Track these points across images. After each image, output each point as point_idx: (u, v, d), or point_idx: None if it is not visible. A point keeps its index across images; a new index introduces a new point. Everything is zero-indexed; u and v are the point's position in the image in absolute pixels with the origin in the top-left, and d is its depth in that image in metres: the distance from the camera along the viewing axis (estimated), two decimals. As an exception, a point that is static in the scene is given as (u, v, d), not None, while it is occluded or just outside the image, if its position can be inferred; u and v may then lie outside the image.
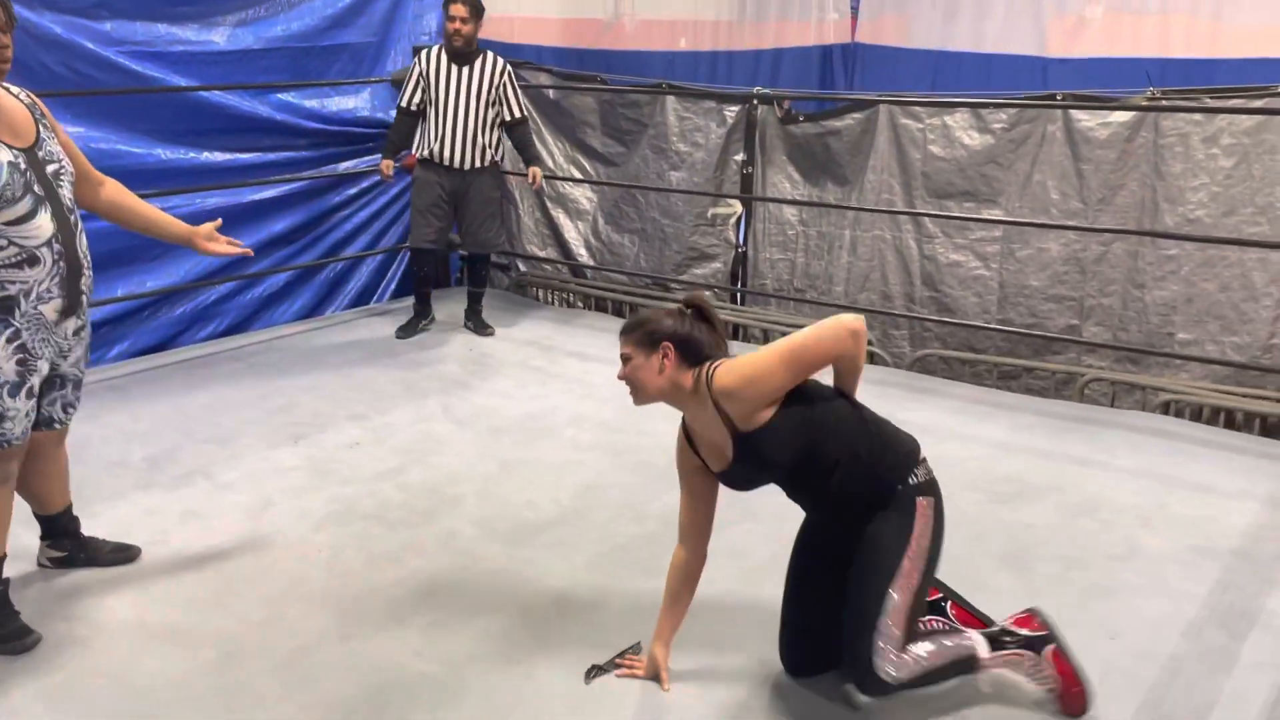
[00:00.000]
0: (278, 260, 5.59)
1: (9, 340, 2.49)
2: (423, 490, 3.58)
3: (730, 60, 5.86)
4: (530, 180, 5.22)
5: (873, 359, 5.01)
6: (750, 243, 5.63)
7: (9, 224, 2.44)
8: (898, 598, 2.26)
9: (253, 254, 3.24)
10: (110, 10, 4.74)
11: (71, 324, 2.65)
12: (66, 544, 2.99)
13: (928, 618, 2.66)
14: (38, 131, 2.55)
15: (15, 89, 2.59)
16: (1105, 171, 4.60)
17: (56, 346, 2.63)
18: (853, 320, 2.27)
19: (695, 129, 5.64)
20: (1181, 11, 4.54)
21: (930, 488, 2.35)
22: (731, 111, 5.50)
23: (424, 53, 5.14)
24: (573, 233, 6.19)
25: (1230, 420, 4.32)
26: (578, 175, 6.08)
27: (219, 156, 5.26)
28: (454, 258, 6.33)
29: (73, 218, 2.60)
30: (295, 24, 5.46)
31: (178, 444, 3.90)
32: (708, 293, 2.72)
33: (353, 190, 5.89)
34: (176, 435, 3.98)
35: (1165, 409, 4.43)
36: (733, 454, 2.32)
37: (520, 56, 6.00)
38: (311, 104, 5.63)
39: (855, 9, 5.46)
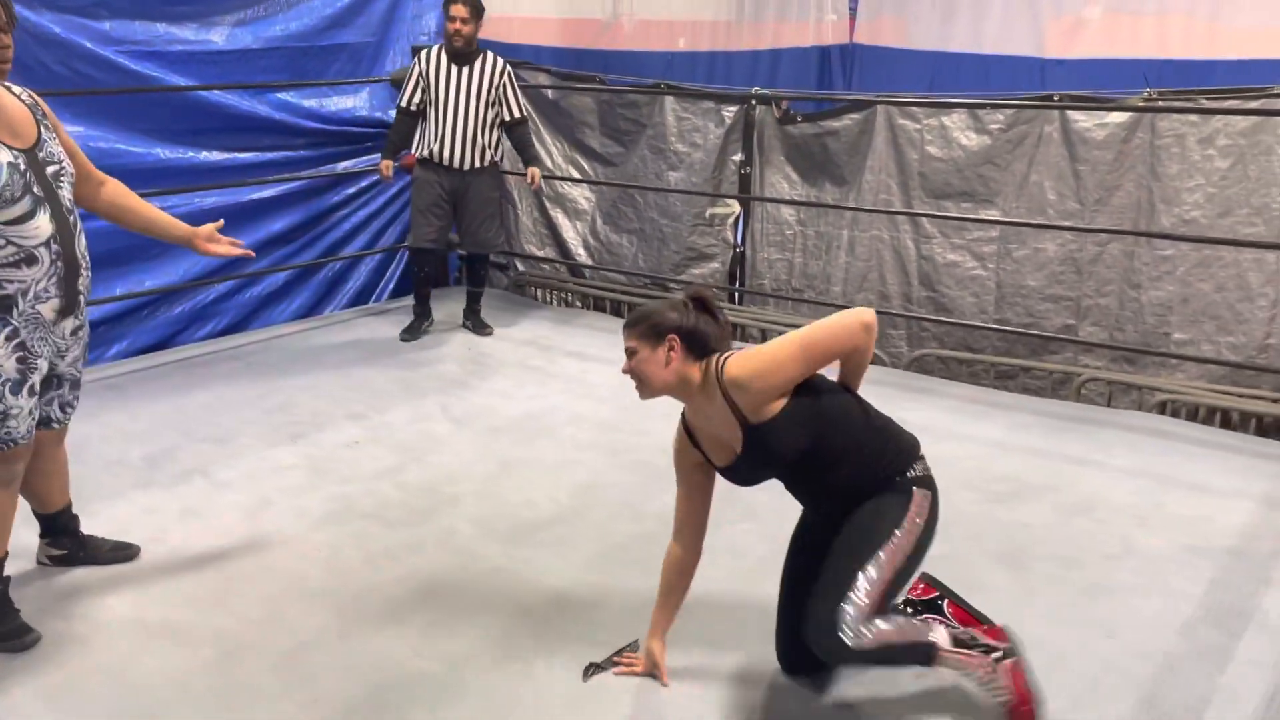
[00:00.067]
0: (276, 259, 5.60)
1: (8, 338, 2.50)
2: (421, 489, 3.59)
3: (728, 60, 5.87)
4: (529, 181, 5.23)
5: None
6: (748, 243, 5.64)
7: (8, 224, 2.44)
8: (875, 574, 2.23)
9: (254, 255, 3.24)
10: (109, 10, 4.75)
11: (69, 324, 2.66)
12: (66, 542, 2.99)
13: (923, 616, 2.67)
14: (39, 132, 2.56)
15: (17, 89, 2.59)
16: (1102, 172, 4.62)
17: (54, 346, 2.63)
18: (866, 313, 2.28)
19: (693, 129, 5.65)
20: (1179, 12, 4.56)
21: (928, 482, 2.37)
22: (729, 112, 5.51)
23: (423, 53, 5.15)
24: (571, 232, 6.20)
25: (1226, 420, 4.34)
26: (576, 175, 6.09)
27: (218, 156, 5.27)
28: (452, 257, 6.34)
29: (72, 218, 2.61)
30: (294, 24, 5.47)
31: (176, 443, 3.91)
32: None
33: (351, 190, 5.90)
34: (175, 434, 3.99)
35: (1161, 409, 4.44)
36: (741, 446, 2.32)
37: (519, 56, 6.00)
38: (310, 104, 5.64)
39: (853, 10, 5.47)
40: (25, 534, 2.99)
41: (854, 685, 2.51)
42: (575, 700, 2.46)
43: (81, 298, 2.67)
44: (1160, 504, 3.51)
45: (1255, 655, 2.63)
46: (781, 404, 2.27)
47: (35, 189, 2.49)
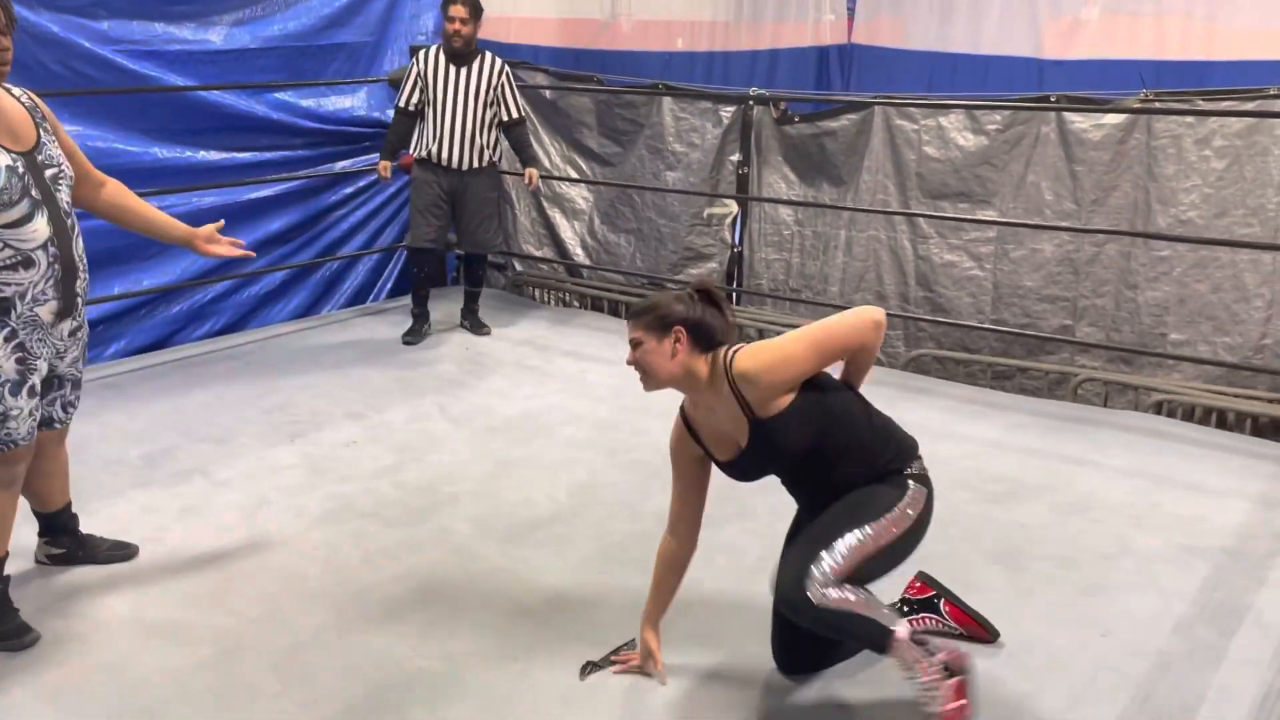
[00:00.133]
0: (274, 259, 5.60)
1: (7, 340, 2.50)
2: (419, 488, 3.60)
3: (726, 61, 5.88)
4: (527, 181, 5.23)
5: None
6: (746, 243, 5.65)
7: (6, 227, 2.45)
8: (855, 543, 2.22)
9: (255, 255, 3.23)
10: (107, 9, 4.76)
11: (67, 325, 2.66)
12: (65, 541, 3.00)
13: (920, 615, 2.69)
14: (38, 135, 2.56)
15: (16, 90, 2.59)
16: (1098, 173, 4.63)
17: (53, 348, 2.64)
18: (876, 312, 2.30)
19: (691, 129, 5.66)
20: (1176, 13, 4.57)
21: (924, 480, 2.38)
22: (727, 112, 5.52)
23: (422, 53, 5.15)
24: (569, 232, 6.21)
25: (1222, 420, 4.35)
26: (574, 175, 6.10)
27: (215, 155, 5.27)
28: (450, 257, 6.35)
29: (69, 221, 2.61)
30: (292, 23, 5.47)
31: (175, 442, 3.92)
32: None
33: (349, 189, 5.90)
34: (173, 433, 3.99)
35: (1158, 409, 4.45)
36: (747, 441, 2.32)
37: (517, 56, 6.01)
38: (308, 103, 5.64)
39: (851, 10, 5.48)
40: (25, 533, 2.99)
41: (851, 685, 2.52)
42: (573, 699, 2.47)
43: (79, 300, 2.67)
44: (1156, 504, 3.52)
45: (1250, 654, 2.64)
46: (789, 400, 2.27)
47: (33, 192, 2.50)
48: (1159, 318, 4.60)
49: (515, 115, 5.22)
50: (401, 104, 5.14)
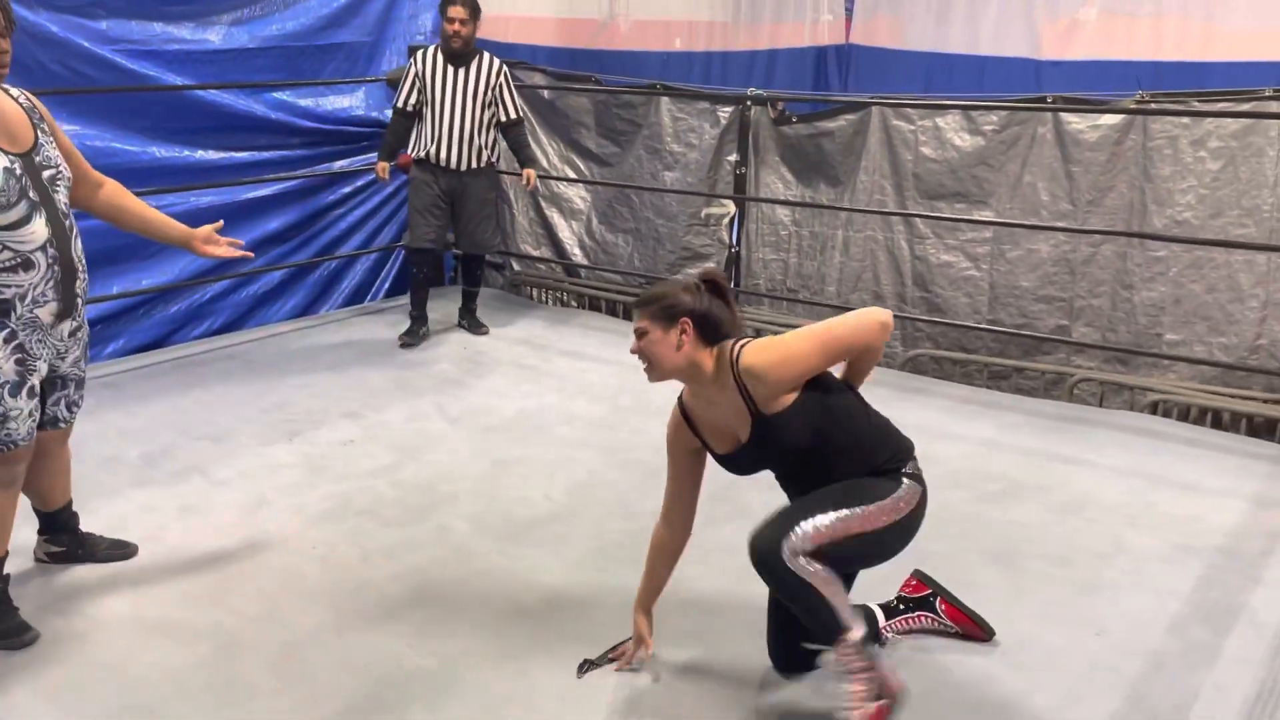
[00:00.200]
0: (272, 259, 5.61)
1: (6, 341, 2.51)
2: (417, 487, 3.61)
3: (725, 61, 5.90)
4: (525, 182, 5.23)
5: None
6: (743, 243, 5.67)
7: (4, 229, 2.45)
8: (841, 520, 2.22)
9: (253, 256, 3.22)
10: (106, 9, 4.76)
11: (67, 326, 2.66)
12: (65, 539, 3.01)
13: (916, 613, 2.70)
14: (35, 136, 2.56)
15: (14, 91, 2.59)
16: (1094, 173, 4.65)
17: (53, 349, 2.64)
18: (884, 313, 2.30)
19: (689, 129, 5.67)
20: (1174, 14, 4.58)
21: (919, 480, 2.38)
22: (725, 112, 5.54)
23: (419, 53, 5.15)
24: (567, 232, 6.22)
25: (1217, 420, 4.37)
26: (572, 175, 6.11)
27: (213, 155, 5.28)
28: (448, 257, 6.35)
29: (68, 222, 2.61)
30: (290, 23, 5.48)
31: (173, 441, 3.92)
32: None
33: (347, 189, 5.91)
34: (172, 432, 4.00)
35: (1153, 409, 4.47)
36: (748, 436, 2.32)
37: (515, 56, 6.02)
38: (306, 103, 5.65)
39: (849, 10, 5.50)
40: (24, 532, 3.00)
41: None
42: (570, 697, 2.48)
43: (79, 300, 2.67)
44: (1151, 503, 3.53)
45: (1244, 653, 2.66)
46: (793, 397, 2.27)
47: (31, 194, 2.50)
48: (1154, 318, 4.62)
49: (513, 115, 5.23)
50: (399, 105, 5.14)
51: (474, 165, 5.14)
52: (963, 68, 5.18)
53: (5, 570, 2.67)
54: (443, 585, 2.97)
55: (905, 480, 2.34)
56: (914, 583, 2.74)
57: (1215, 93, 4.32)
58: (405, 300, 5.55)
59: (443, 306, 5.67)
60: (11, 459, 2.59)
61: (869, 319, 2.29)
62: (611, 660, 2.59)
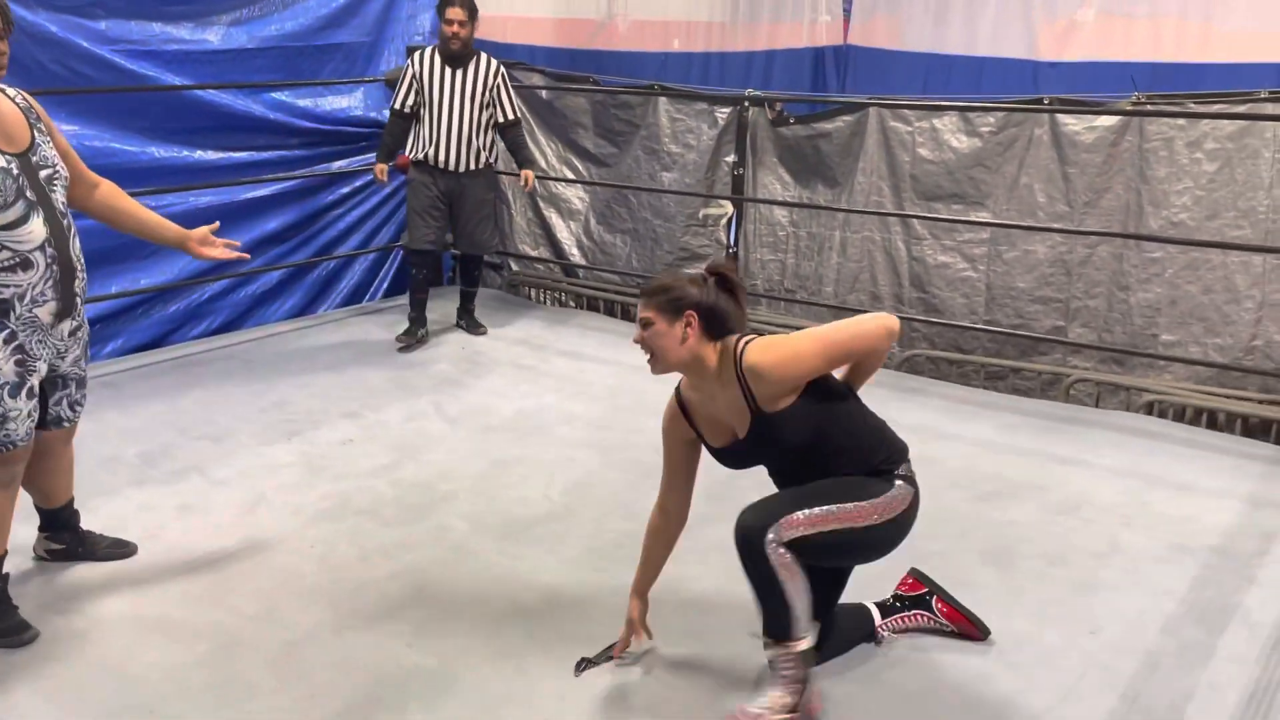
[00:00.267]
0: (270, 259, 5.62)
1: (6, 342, 2.51)
2: (415, 486, 3.62)
3: (723, 61, 5.90)
4: (522, 183, 5.24)
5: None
6: (741, 243, 5.68)
7: (1, 229, 2.45)
8: (826, 516, 2.23)
9: (249, 257, 3.22)
10: (105, 9, 4.77)
11: (67, 325, 2.67)
12: (65, 537, 3.02)
13: (912, 612, 2.71)
14: (32, 136, 2.56)
15: (11, 91, 2.59)
16: (1091, 175, 4.66)
17: (53, 348, 2.65)
18: (891, 320, 2.29)
19: (687, 130, 5.69)
20: (1171, 15, 4.60)
21: (912, 482, 2.40)
22: (723, 113, 5.55)
23: (416, 54, 5.15)
24: (565, 233, 6.23)
25: (1213, 420, 4.38)
26: (570, 175, 6.12)
27: (212, 155, 5.29)
28: (446, 257, 6.36)
29: (65, 221, 2.61)
30: (289, 23, 5.48)
31: (171, 440, 3.93)
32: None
33: (345, 189, 5.92)
34: (170, 432, 4.01)
35: (1149, 409, 4.48)
36: (745, 433, 2.32)
37: (513, 57, 6.03)
38: (305, 103, 5.65)
39: (847, 11, 5.50)
40: (24, 532, 3.01)
41: (841, 682, 2.55)
42: (568, 695, 2.49)
43: (78, 300, 2.68)
44: (1146, 503, 3.55)
45: (1237, 652, 2.67)
46: (793, 397, 2.28)
47: (28, 194, 2.50)
48: (1150, 319, 4.63)
49: (511, 116, 5.23)
50: (397, 106, 5.14)
51: (472, 166, 5.15)
52: (961, 69, 5.19)
53: (5, 569, 2.68)
54: (441, 584, 2.98)
55: (898, 482, 2.35)
56: (910, 581, 2.76)
57: (1211, 94, 4.33)
58: (403, 300, 5.55)
59: (441, 307, 5.68)
60: (10, 459, 2.60)
61: (875, 325, 2.29)
62: (609, 659, 2.60)
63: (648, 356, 2.35)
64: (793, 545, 2.22)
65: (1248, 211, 4.35)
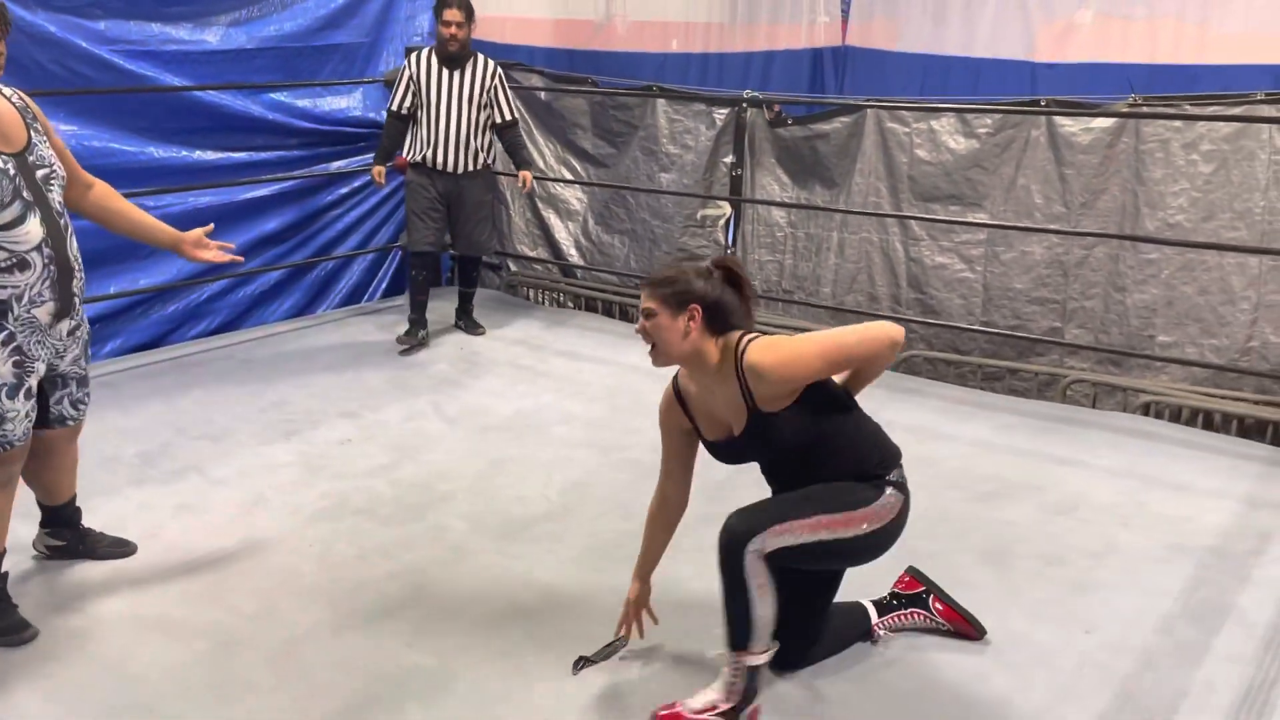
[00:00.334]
0: (269, 259, 5.62)
1: (4, 343, 2.51)
2: (413, 486, 3.62)
3: (721, 62, 5.91)
4: (520, 184, 5.24)
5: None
6: (739, 244, 5.69)
7: None
8: (814, 524, 2.24)
9: (243, 259, 3.20)
10: (104, 9, 4.77)
11: (65, 325, 2.66)
12: (66, 534, 3.02)
13: (909, 610, 2.72)
14: (29, 136, 2.55)
15: (7, 90, 2.58)
16: (1088, 176, 4.67)
17: (52, 348, 2.65)
18: (896, 331, 2.27)
19: (685, 131, 5.70)
20: (1168, 17, 4.61)
21: (903, 489, 2.39)
22: (721, 114, 5.56)
23: (413, 56, 5.15)
24: (563, 233, 6.24)
25: (1209, 421, 4.40)
26: (568, 176, 6.13)
27: (211, 155, 5.29)
28: (444, 258, 6.37)
29: (62, 221, 2.60)
30: (288, 24, 5.49)
31: (170, 440, 3.94)
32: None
33: (344, 190, 5.92)
34: (169, 431, 4.02)
35: (1145, 410, 4.50)
36: (741, 430, 2.32)
37: (512, 57, 6.03)
38: (304, 104, 5.66)
39: (846, 12, 5.51)
40: (23, 530, 3.02)
41: (837, 680, 2.56)
42: (566, 694, 2.50)
43: (76, 299, 2.67)
44: (1143, 503, 3.56)
45: (1232, 651, 2.68)
46: (791, 398, 2.28)
47: (25, 194, 2.49)
48: (1147, 320, 4.65)
49: (508, 117, 5.23)
50: (394, 108, 5.14)
51: (471, 168, 5.15)
52: (959, 70, 5.20)
53: (4, 568, 2.68)
54: (439, 584, 2.99)
55: (888, 489, 2.35)
56: (908, 579, 2.77)
57: (1207, 96, 4.35)
58: (402, 300, 5.56)
59: (440, 307, 5.68)
60: (7, 459, 2.60)
61: (880, 334, 2.27)
62: (607, 658, 2.61)
63: (649, 347, 2.34)
64: (775, 555, 2.24)
65: (1244, 213, 4.37)
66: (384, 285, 6.24)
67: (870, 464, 2.37)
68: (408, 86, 5.09)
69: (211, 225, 2.98)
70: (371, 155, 5.48)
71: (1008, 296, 4.94)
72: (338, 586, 2.96)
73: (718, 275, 2.33)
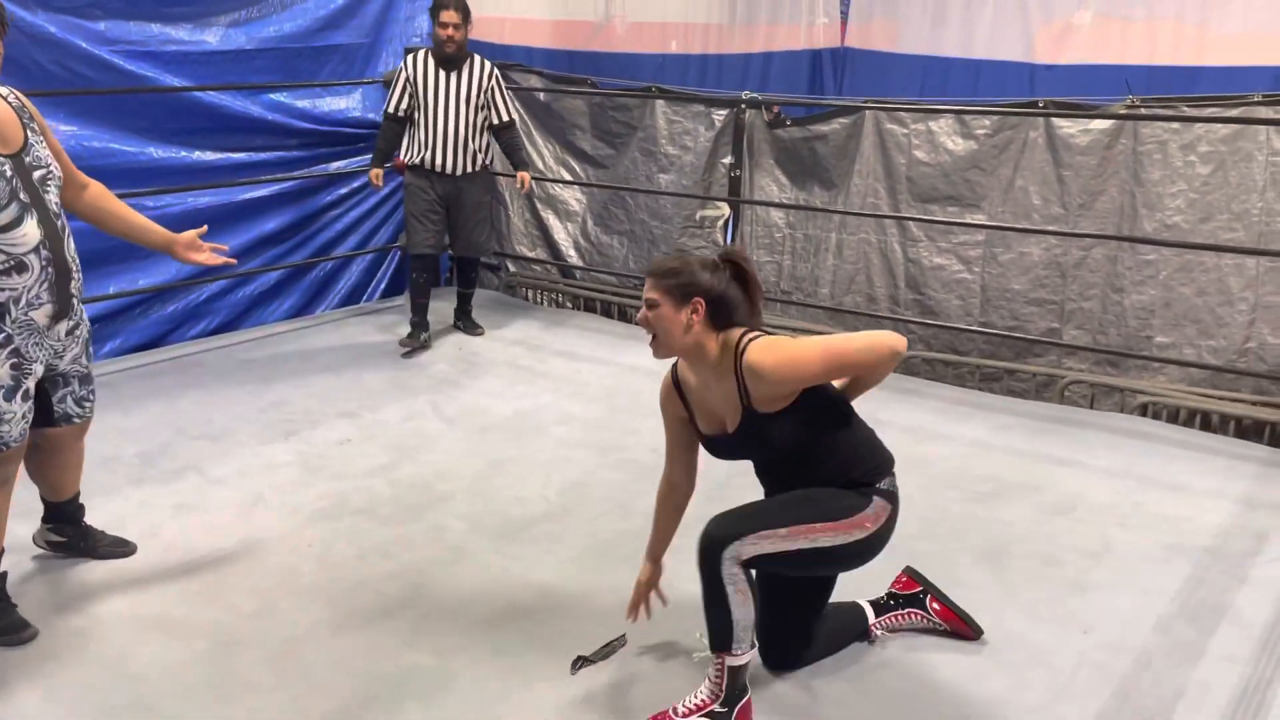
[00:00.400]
0: (268, 259, 5.63)
1: (2, 345, 2.51)
2: (412, 486, 3.63)
3: (720, 63, 5.92)
4: (519, 185, 5.24)
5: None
6: (738, 245, 5.69)
7: None
8: (794, 534, 2.24)
9: (235, 262, 3.19)
10: (104, 10, 4.78)
11: (63, 326, 2.66)
12: (68, 531, 3.03)
13: (906, 610, 2.73)
14: (25, 136, 2.54)
15: (4, 90, 2.57)
16: (1086, 177, 4.68)
17: (50, 349, 2.64)
18: (899, 342, 2.25)
19: (684, 132, 5.71)
20: (1167, 19, 4.62)
21: (892, 498, 2.38)
22: (720, 115, 5.57)
23: (410, 58, 5.14)
24: (562, 234, 6.24)
25: (1206, 422, 4.40)
26: (567, 177, 6.14)
27: (211, 156, 5.30)
28: (443, 258, 6.37)
29: (60, 222, 2.59)
30: (288, 25, 5.50)
31: (170, 440, 3.94)
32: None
33: (343, 190, 5.93)
34: (168, 431, 4.02)
35: (1143, 411, 4.51)
36: (735, 428, 2.32)
37: (511, 58, 6.04)
38: (303, 104, 5.67)
39: (845, 13, 5.52)
40: (22, 529, 3.02)
41: (834, 680, 2.57)
42: (564, 693, 2.50)
43: (74, 300, 2.67)
44: (1140, 504, 3.57)
45: (1228, 651, 2.69)
46: (788, 401, 2.27)
47: (21, 195, 2.48)
48: (1145, 321, 4.66)
49: (506, 118, 5.23)
50: (390, 110, 5.13)
51: (469, 169, 5.16)
52: (958, 71, 5.21)
53: (3, 567, 2.69)
54: (438, 583, 3.00)
55: (875, 498, 2.33)
56: (905, 579, 2.78)
57: (1205, 98, 4.35)
58: (401, 301, 5.57)
59: (439, 308, 5.68)
60: (3, 460, 2.60)
61: (882, 343, 2.25)
62: (606, 657, 2.62)
63: (650, 337, 2.32)
64: (753, 562, 2.25)
65: (1241, 214, 4.38)
66: (383, 286, 6.25)
67: (861, 471, 2.36)
68: (404, 88, 5.09)
69: (205, 227, 2.97)
70: (370, 156, 5.48)
71: (1006, 297, 4.95)
72: (337, 586, 2.96)
73: (725, 269, 2.31)
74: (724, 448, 2.41)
